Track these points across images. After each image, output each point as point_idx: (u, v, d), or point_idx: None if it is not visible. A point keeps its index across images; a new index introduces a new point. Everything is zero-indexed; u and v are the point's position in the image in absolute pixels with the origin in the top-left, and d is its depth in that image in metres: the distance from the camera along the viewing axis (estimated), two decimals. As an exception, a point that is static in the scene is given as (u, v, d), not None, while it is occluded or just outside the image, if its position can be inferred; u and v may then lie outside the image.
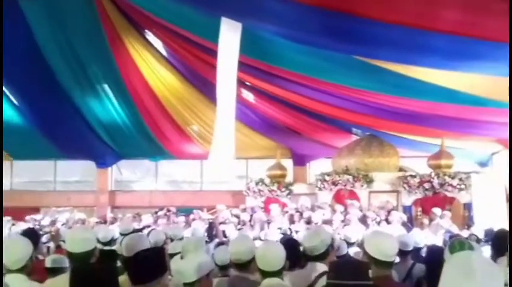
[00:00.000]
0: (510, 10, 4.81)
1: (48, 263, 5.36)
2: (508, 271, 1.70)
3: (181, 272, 3.88)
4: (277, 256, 3.62)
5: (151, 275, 3.26)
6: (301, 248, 4.92)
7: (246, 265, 4.07)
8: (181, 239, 6.69)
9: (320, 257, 4.02)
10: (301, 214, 13.37)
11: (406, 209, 15.17)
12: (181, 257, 4.57)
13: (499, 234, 4.99)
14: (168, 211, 15.68)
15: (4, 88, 18.10)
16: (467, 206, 15.17)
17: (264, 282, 3.55)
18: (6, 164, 21.34)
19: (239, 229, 11.76)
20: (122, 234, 7.57)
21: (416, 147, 16.90)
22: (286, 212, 14.00)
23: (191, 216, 14.01)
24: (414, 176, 15.85)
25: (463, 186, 15.30)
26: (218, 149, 11.90)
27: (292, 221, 12.78)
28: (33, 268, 4.35)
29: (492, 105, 11.28)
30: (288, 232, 10.32)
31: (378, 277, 3.45)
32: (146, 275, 3.24)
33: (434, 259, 5.24)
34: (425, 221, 12.88)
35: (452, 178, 15.38)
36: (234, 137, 11.97)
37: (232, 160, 12.69)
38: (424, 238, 7.87)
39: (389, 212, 13.60)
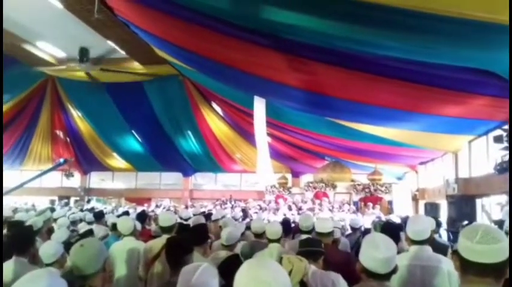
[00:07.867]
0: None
1: (152, 232, 5.43)
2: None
3: (221, 238, 3.89)
4: (277, 230, 3.52)
5: (200, 240, 3.27)
6: (294, 225, 4.80)
7: (261, 235, 4.02)
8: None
9: (309, 232, 3.88)
10: (295, 205, 13.28)
11: (355, 203, 14.98)
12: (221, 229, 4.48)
13: (405, 219, 4.88)
14: (223, 202, 15.67)
15: (134, 133, 18.45)
16: (390, 203, 14.98)
17: (270, 245, 3.46)
18: (133, 174, 21.61)
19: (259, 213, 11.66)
20: (194, 215, 7.59)
21: (361, 168, 16.67)
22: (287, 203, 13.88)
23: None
24: (359, 185, 15.70)
25: (387, 191, 15.13)
26: (260, 169, 11.95)
27: (290, 209, 12.68)
28: (141, 234, 4.35)
29: (404, 146, 11.18)
30: (287, 216, 10.18)
31: (325, 244, 3.29)
32: (198, 239, 3.23)
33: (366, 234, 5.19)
34: (366, 210, 12.77)
35: (381, 186, 15.21)
36: (270, 161, 12.03)
37: (272, 173, 12.87)
38: (365, 221, 7.77)
39: (343, 204, 13.48)
